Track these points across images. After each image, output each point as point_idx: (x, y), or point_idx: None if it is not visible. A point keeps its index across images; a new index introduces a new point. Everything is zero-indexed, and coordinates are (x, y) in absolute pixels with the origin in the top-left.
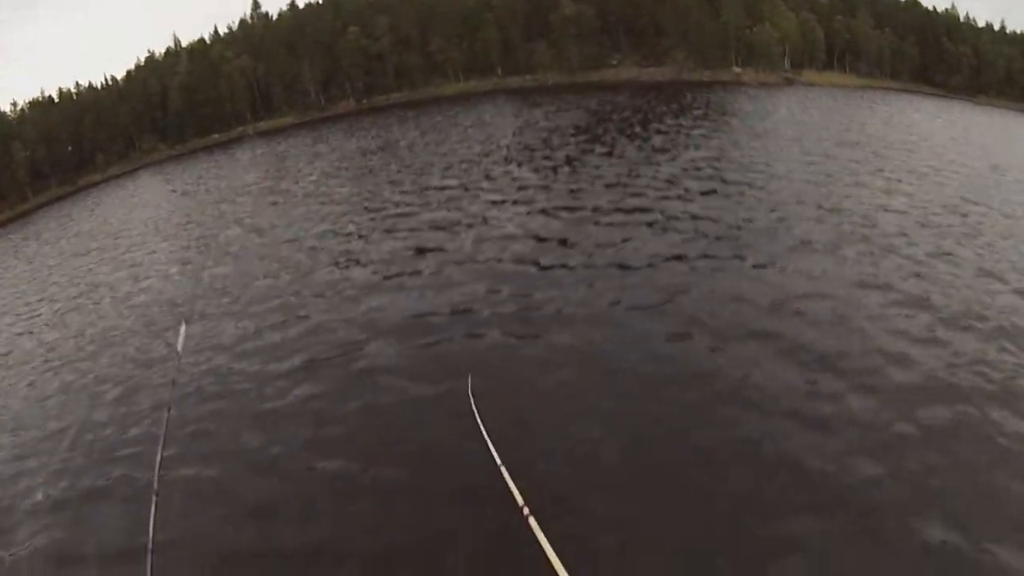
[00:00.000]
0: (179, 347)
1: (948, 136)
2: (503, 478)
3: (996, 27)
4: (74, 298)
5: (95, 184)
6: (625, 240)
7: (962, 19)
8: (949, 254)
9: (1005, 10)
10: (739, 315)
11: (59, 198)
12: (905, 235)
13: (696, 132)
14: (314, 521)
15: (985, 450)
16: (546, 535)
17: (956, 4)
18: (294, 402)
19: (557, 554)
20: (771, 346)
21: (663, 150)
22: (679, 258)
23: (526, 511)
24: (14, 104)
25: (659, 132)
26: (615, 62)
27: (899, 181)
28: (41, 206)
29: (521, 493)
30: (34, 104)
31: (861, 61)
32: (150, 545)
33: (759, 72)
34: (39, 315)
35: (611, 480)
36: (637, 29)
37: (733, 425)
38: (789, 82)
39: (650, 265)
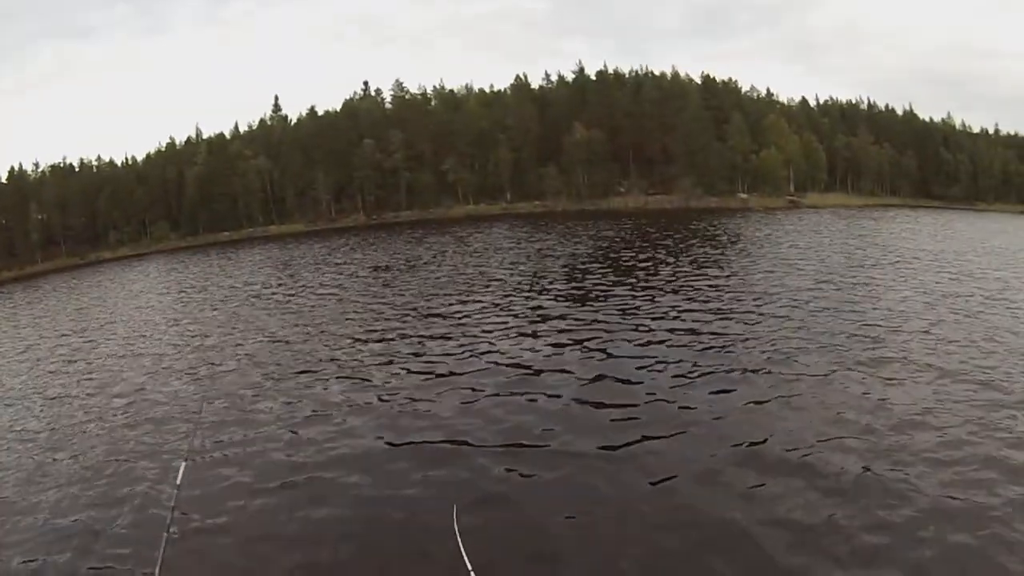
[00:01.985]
0: (178, 481)
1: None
2: None
3: (991, 131)
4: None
5: (104, 261)
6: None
7: (958, 127)
8: None
9: (998, 116)
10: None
11: (67, 268)
12: None
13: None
14: None
15: None
16: None
17: (952, 113)
18: (288, 525)
19: None
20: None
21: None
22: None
23: None
24: (36, 165)
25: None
26: (623, 189)
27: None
28: (48, 272)
29: None
30: (54, 169)
31: (862, 179)
32: None
33: (764, 197)
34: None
35: None
36: (645, 156)
37: None
38: (795, 205)
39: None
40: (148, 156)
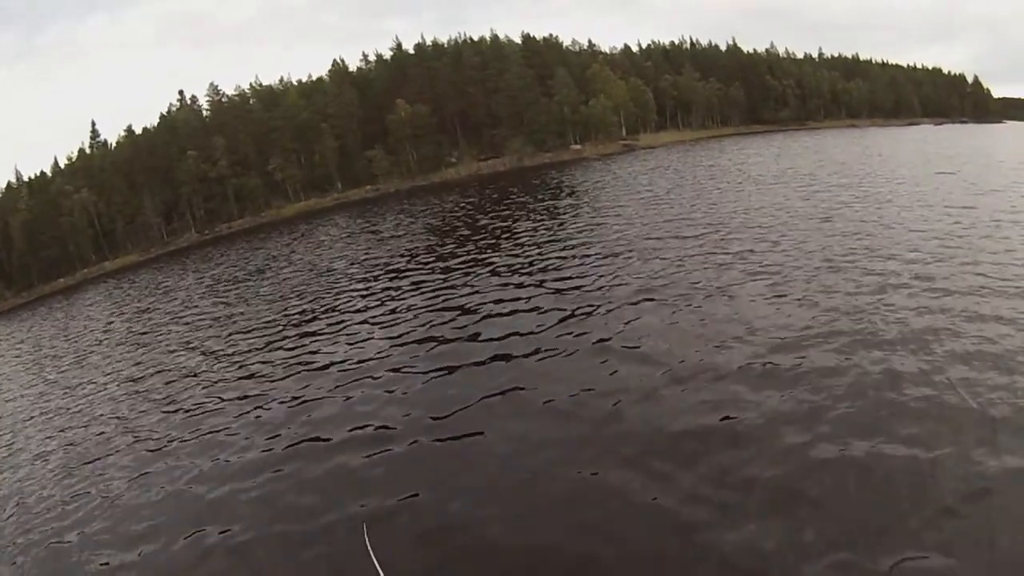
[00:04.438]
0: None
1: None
2: None
3: (815, 55)
4: None
5: None
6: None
7: (783, 55)
8: None
9: (820, 40)
10: None
11: None
12: None
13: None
14: None
15: None
16: None
17: (775, 43)
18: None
19: None
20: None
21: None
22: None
23: None
24: None
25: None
26: (454, 159)
27: None
28: None
29: None
30: None
31: (692, 114)
32: None
33: (598, 144)
34: None
35: None
36: (472, 122)
37: None
38: (629, 148)
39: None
40: None
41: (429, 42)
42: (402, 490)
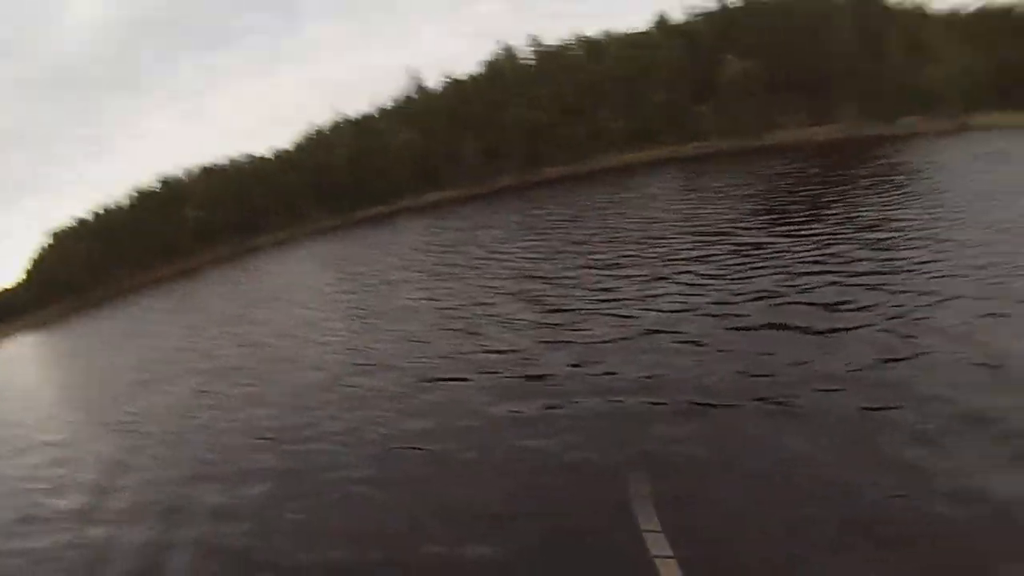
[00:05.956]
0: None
1: None
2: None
3: None
4: None
5: (261, 248)
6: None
7: None
8: None
9: None
10: None
11: (225, 259)
12: None
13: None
14: None
15: None
16: None
17: None
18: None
19: None
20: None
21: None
22: None
23: None
24: (187, 170)
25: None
26: (784, 122)
27: None
28: (206, 264)
29: None
30: (207, 170)
31: None
32: None
33: (930, 120)
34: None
35: None
36: (802, 84)
37: None
38: (964, 128)
39: None
40: (297, 146)
41: None
42: None
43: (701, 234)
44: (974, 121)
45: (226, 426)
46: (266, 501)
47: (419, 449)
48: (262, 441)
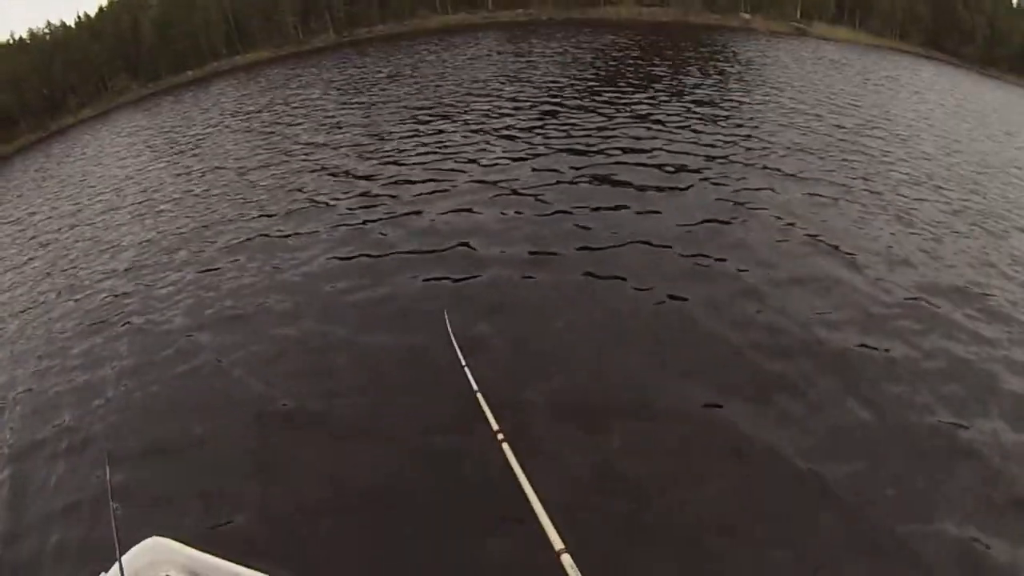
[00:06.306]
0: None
1: None
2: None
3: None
4: None
5: (69, 126)
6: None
7: None
8: None
9: None
10: None
11: (30, 145)
12: None
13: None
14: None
15: None
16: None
17: None
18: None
19: (528, 479)
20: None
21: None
22: None
23: (500, 437)
24: None
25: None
26: None
27: None
28: (10, 155)
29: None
30: (3, 47)
31: (872, 18)
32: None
33: (768, 20)
34: None
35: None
36: None
37: None
38: (801, 33)
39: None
40: (100, 10)
41: None
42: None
43: (521, 95)
44: (812, 29)
45: None
46: None
47: None
48: None
